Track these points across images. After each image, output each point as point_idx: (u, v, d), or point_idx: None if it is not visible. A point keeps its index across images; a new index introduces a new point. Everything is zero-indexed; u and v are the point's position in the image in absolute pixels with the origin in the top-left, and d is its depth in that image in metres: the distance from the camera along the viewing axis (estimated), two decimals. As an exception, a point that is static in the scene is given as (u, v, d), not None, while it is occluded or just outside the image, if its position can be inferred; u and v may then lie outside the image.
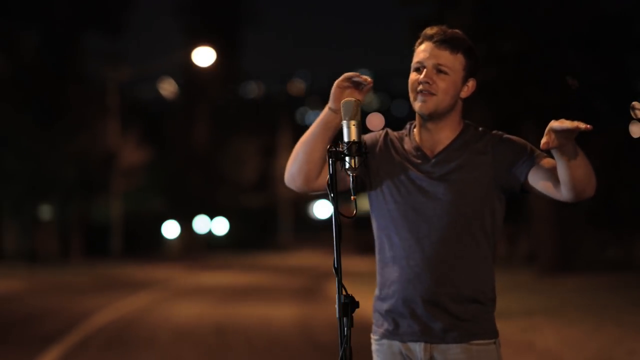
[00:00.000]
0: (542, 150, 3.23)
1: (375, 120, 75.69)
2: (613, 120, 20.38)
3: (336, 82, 3.33)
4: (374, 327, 3.42)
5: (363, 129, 3.28)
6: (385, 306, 3.38)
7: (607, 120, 20.40)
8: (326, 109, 3.36)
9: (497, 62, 20.27)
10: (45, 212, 37.02)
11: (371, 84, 3.30)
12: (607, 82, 21.15)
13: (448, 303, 3.28)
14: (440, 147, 3.37)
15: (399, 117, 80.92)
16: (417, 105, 3.34)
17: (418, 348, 3.31)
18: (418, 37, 3.41)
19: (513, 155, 3.31)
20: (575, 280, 19.25)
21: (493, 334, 3.35)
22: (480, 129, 3.42)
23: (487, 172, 3.33)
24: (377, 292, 3.43)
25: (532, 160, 3.29)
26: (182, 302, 17.69)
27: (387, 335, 3.37)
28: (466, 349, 3.29)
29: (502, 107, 21.42)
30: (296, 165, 3.42)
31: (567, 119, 3.04)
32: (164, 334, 12.42)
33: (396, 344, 3.35)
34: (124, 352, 10.80)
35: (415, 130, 3.45)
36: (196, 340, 11.76)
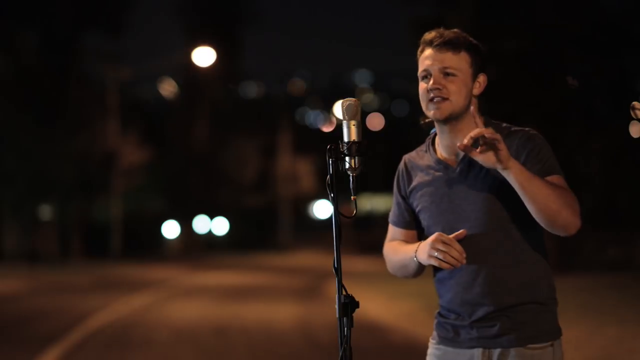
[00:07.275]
0: (554, 167, 3.22)
1: (375, 120, 75.61)
2: (613, 120, 20.36)
3: (429, 252, 3.23)
4: (434, 332, 3.44)
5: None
6: (444, 316, 3.39)
7: (607, 120, 20.38)
8: (413, 254, 3.33)
9: (497, 62, 20.25)
10: (45, 212, 37.03)
11: (463, 234, 3.25)
12: (607, 82, 21.14)
13: (504, 306, 3.26)
14: (462, 152, 3.30)
15: (399, 117, 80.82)
16: (431, 113, 3.30)
17: (476, 353, 3.30)
18: (419, 40, 3.38)
19: (525, 157, 3.24)
20: (575, 280, 19.23)
21: (551, 335, 3.33)
22: (504, 124, 3.38)
23: None
24: (440, 303, 3.43)
25: (533, 171, 3.20)
26: (182, 302, 17.68)
27: (446, 342, 3.38)
28: (522, 352, 3.26)
29: (502, 107, 21.40)
30: (399, 275, 3.52)
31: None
32: (164, 334, 12.43)
33: (453, 351, 3.36)
34: (123, 352, 10.80)
35: (436, 140, 3.41)
36: (196, 340, 11.76)
